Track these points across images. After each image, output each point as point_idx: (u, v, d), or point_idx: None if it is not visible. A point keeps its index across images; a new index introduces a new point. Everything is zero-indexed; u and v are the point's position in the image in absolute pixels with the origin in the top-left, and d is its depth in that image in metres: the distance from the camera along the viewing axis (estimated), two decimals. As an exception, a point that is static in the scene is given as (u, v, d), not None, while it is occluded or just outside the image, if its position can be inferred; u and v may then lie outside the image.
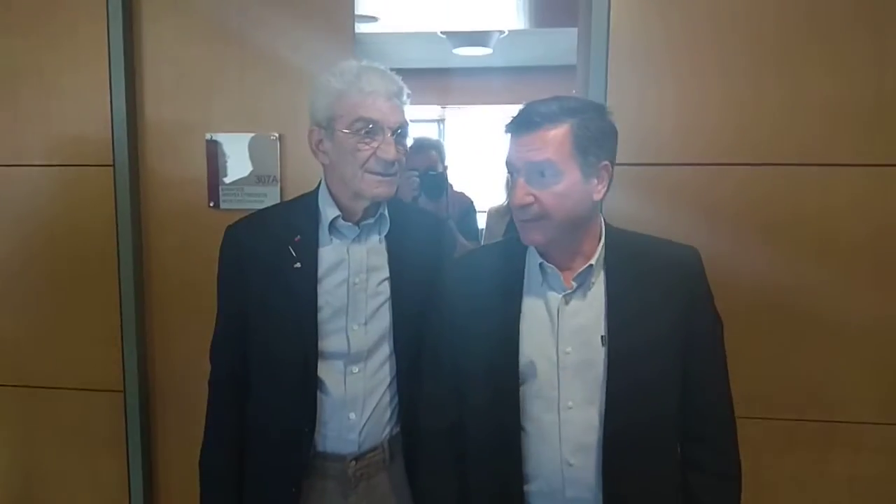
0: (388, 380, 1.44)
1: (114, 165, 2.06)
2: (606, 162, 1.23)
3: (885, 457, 1.87)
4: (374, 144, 1.35)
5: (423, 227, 1.53)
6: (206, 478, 1.51)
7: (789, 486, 1.91)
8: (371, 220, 1.44)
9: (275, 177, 2.05)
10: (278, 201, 2.00)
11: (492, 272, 1.33)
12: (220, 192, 2.08)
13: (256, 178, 2.07)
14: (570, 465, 1.23)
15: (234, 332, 1.46)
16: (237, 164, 2.07)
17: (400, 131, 1.38)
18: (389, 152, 1.35)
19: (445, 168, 2.36)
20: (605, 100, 1.84)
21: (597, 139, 1.20)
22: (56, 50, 2.06)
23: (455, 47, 4.75)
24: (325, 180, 1.46)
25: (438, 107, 6.56)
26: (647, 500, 1.26)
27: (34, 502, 2.26)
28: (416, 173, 2.21)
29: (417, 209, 1.60)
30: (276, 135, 2.04)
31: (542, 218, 1.20)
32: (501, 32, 4.46)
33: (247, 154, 2.06)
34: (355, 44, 2.06)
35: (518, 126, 1.21)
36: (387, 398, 1.45)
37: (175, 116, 2.08)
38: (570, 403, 1.23)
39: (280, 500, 1.43)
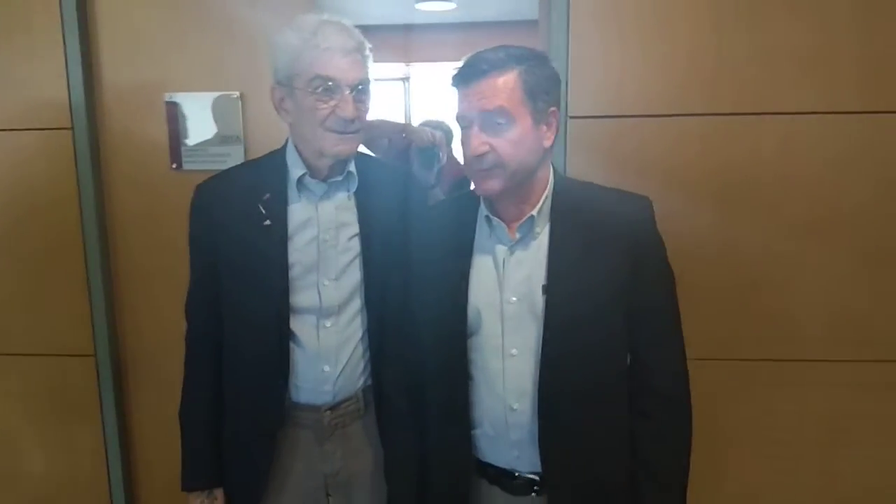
0: (360, 332, 1.48)
1: (73, 128, 2.03)
2: (554, 108, 1.25)
3: (833, 391, 1.96)
4: (333, 102, 1.35)
5: (392, 181, 1.54)
6: (185, 429, 1.54)
7: (744, 424, 2.00)
8: (339, 178, 1.45)
9: (238, 136, 2.04)
10: (242, 161, 1.99)
11: (446, 226, 1.36)
12: (182, 153, 2.07)
13: (220, 138, 2.06)
14: (514, 409, 1.27)
15: (206, 288, 1.48)
16: (199, 125, 2.05)
17: (361, 87, 1.38)
18: (348, 110, 1.35)
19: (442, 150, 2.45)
20: (568, 54, 1.86)
21: (544, 85, 1.21)
22: (9, 14, 2.00)
23: (418, 2, 4.69)
24: (291, 138, 1.46)
25: (403, 64, 6.48)
26: (584, 446, 1.29)
27: (11, 469, 2.28)
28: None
29: (385, 164, 1.61)
30: (238, 93, 2.02)
31: (497, 166, 1.22)
32: (465, -14, 4.41)
33: (209, 114, 2.05)
34: (316, 0, 2.04)
35: (467, 76, 1.21)
36: (360, 350, 1.48)
37: (133, 77, 2.04)
38: (513, 351, 1.27)
39: (257, 450, 1.47)
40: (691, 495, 2.00)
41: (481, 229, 1.32)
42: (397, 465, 1.43)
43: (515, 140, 1.20)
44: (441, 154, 2.41)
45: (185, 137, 2.06)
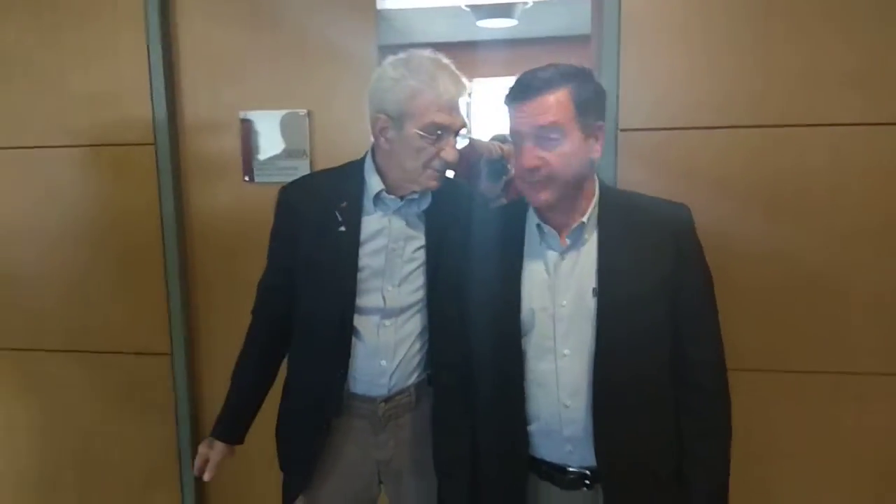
0: (416, 332, 1.57)
1: (155, 144, 2.21)
2: (601, 122, 1.31)
3: (891, 404, 1.93)
4: (440, 145, 1.45)
5: (460, 199, 1.63)
6: (230, 387, 1.68)
7: (798, 437, 1.99)
8: (415, 196, 1.55)
9: (304, 151, 2.17)
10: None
11: (497, 234, 1.43)
12: (254, 167, 2.21)
13: (287, 152, 2.19)
14: (567, 406, 1.33)
15: (278, 276, 1.62)
16: (269, 141, 2.19)
17: (462, 133, 1.50)
18: (452, 154, 1.47)
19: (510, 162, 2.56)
20: (619, 68, 1.91)
21: (593, 101, 1.28)
22: (97, 36, 2.20)
23: (479, 20, 4.78)
24: (375, 156, 1.56)
25: (466, 80, 6.59)
26: (635, 439, 1.34)
27: (89, 462, 2.45)
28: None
29: (454, 182, 1.71)
30: (305, 111, 2.15)
31: (549, 179, 1.28)
32: (525, 3, 4.49)
33: (279, 130, 2.18)
34: (380, 20, 2.15)
35: (519, 94, 1.28)
36: (415, 348, 1.58)
37: (211, 96, 2.21)
38: (565, 352, 1.33)
39: (313, 435, 1.59)
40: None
41: (531, 236, 1.38)
42: (450, 458, 1.50)
43: (567, 154, 1.27)
44: (509, 166, 2.50)
45: (257, 152, 2.21)
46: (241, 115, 2.19)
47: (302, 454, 1.62)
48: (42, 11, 2.20)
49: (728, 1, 1.86)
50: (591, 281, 1.31)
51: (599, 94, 1.31)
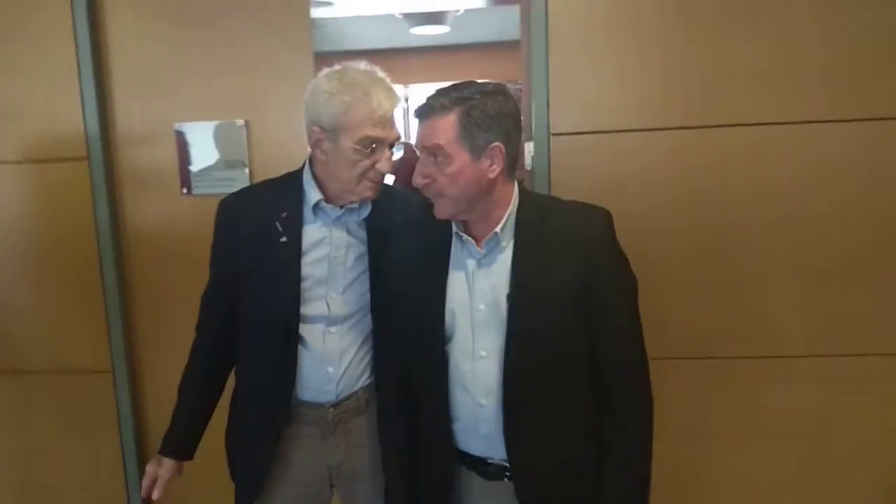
0: (362, 338, 1.60)
1: (89, 158, 2.18)
2: (497, 143, 1.32)
3: (814, 385, 2.06)
4: (375, 158, 1.48)
5: (398, 204, 1.66)
6: (179, 399, 1.68)
7: (727, 419, 2.11)
8: (354, 205, 1.57)
9: (243, 161, 2.17)
10: (247, 184, 2.12)
11: (428, 242, 1.48)
12: (192, 179, 2.20)
13: (225, 163, 2.19)
14: (482, 405, 1.39)
15: (221, 292, 1.62)
16: (206, 152, 2.19)
17: (396, 145, 1.53)
18: (386, 166, 1.50)
19: None
20: (548, 74, 1.99)
21: (483, 124, 1.30)
22: (25, 50, 2.15)
23: (412, 27, 4.84)
24: (313, 167, 1.58)
25: (401, 86, 6.65)
26: (546, 437, 1.39)
27: (33, 483, 2.39)
28: None
29: (393, 190, 1.74)
30: (243, 121, 2.15)
31: (439, 196, 1.35)
32: (457, 10, 4.57)
33: (215, 141, 2.18)
34: (313, 28, 2.17)
35: (417, 115, 1.36)
36: (361, 353, 1.61)
37: (145, 108, 2.19)
38: (482, 353, 1.38)
39: (263, 444, 1.60)
40: (680, 490, 2.12)
41: (455, 245, 1.44)
42: (391, 457, 1.56)
43: (453, 174, 1.32)
44: None
45: (193, 164, 2.20)
46: (177, 126, 2.18)
47: (253, 464, 1.62)
48: (-33, 24, 2.15)
49: (649, 7, 1.95)
50: (505, 287, 1.36)
51: (498, 117, 1.32)
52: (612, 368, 1.40)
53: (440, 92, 1.34)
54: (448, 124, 1.30)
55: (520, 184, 1.43)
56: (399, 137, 1.53)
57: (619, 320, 1.40)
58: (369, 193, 1.52)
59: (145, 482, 1.64)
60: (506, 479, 1.43)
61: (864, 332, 2.03)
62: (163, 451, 1.65)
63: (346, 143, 1.46)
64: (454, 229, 1.42)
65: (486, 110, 1.31)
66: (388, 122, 1.48)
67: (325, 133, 1.48)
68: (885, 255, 1.99)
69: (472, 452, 1.45)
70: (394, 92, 1.51)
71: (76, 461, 2.37)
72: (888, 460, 2.08)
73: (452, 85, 1.34)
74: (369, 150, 1.47)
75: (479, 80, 1.35)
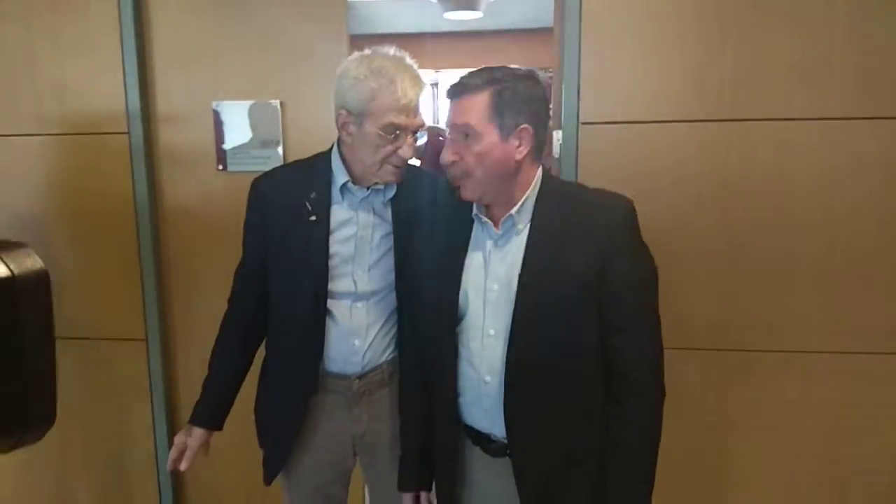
0: (387, 314, 1.66)
1: (129, 133, 2.25)
2: (526, 125, 1.34)
3: (834, 381, 2.07)
4: (398, 144, 1.53)
5: (424, 186, 1.71)
6: (210, 371, 1.74)
7: (747, 411, 2.12)
8: (380, 186, 1.62)
9: (277, 140, 2.23)
10: (281, 163, 2.18)
11: (451, 222, 1.52)
12: (227, 156, 2.26)
13: (260, 142, 2.24)
14: (486, 382, 1.42)
15: (253, 267, 1.69)
16: (242, 130, 2.24)
17: (420, 132, 1.57)
18: (409, 152, 1.54)
19: None
20: (580, 62, 2.00)
21: (515, 105, 1.33)
22: (69, 25, 2.22)
23: (446, 11, 4.85)
24: (340, 149, 1.63)
25: (432, 70, 6.66)
26: (544, 420, 1.41)
27: (67, 446, 2.49)
28: None
29: (419, 171, 1.79)
30: (278, 101, 2.20)
31: (466, 175, 1.37)
32: (491, -4, 4.57)
33: (251, 120, 2.23)
34: (348, 10, 2.20)
35: (450, 95, 1.39)
36: (386, 328, 1.67)
37: (184, 86, 2.25)
38: (491, 332, 1.41)
39: (291, 413, 1.67)
40: (696, 480, 2.15)
41: (476, 227, 1.48)
42: (407, 426, 1.63)
43: (481, 153, 1.34)
44: None
45: (229, 142, 2.26)
46: (215, 105, 2.23)
47: (281, 432, 1.69)
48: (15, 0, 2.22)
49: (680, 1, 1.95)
50: (518, 269, 1.39)
51: (528, 100, 1.35)
52: (621, 360, 1.39)
53: (473, 73, 1.37)
54: (479, 103, 1.33)
55: (545, 169, 1.45)
56: (423, 125, 1.56)
57: (632, 311, 1.38)
58: (391, 178, 1.57)
59: (173, 453, 1.68)
60: (508, 457, 1.46)
61: (886, 330, 2.03)
62: (193, 420, 1.71)
63: (371, 128, 1.50)
64: (474, 211, 1.46)
65: (517, 92, 1.33)
66: (413, 109, 1.52)
67: (351, 117, 1.53)
68: (909, 254, 1.98)
69: (476, 427, 1.48)
70: (420, 79, 1.54)
71: (107, 426, 2.47)
72: (905, 458, 2.09)
73: (485, 67, 1.36)
74: (392, 136, 1.51)
75: (511, 66, 1.38)
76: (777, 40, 1.94)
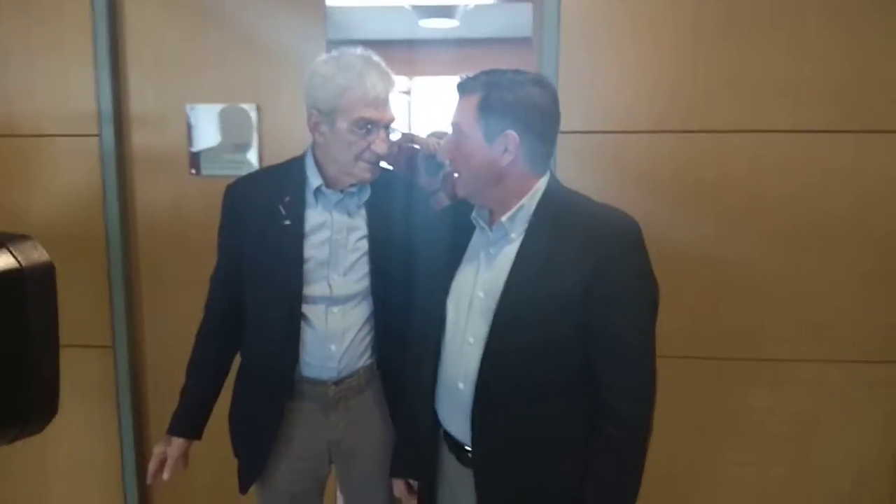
0: (363, 318, 1.65)
1: (100, 135, 2.20)
2: (510, 131, 1.31)
3: (801, 389, 2.12)
4: (370, 139, 1.53)
5: (399, 190, 1.71)
6: (188, 379, 1.71)
7: (718, 417, 2.16)
8: (353, 189, 1.62)
9: (252, 145, 2.20)
10: (256, 167, 2.16)
11: (449, 227, 1.52)
12: (201, 160, 2.23)
13: (234, 146, 2.22)
14: (460, 389, 1.41)
15: (228, 273, 1.67)
16: (217, 134, 2.22)
17: (392, 127, 1.57)
18: (382, 147, 1.54)
19: None
20: (558, 72, 2.02)
21: (500, 109, 1.31)
22: (44, 30, 2.18)
23: (421, 19, 4.85)
24: (314, 151, 1.62)
25: (406, 78, 6.66)
26: (515, 435, 1.36)
27: (31, 454, 2.42)
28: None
29: (393, 174, 1.79)
30: (254, 105, 2.19)
31: (456, 173, 1.39)
32: (467, 4, 4.58)
33: (226, 124, 2.21)
34: (325, 17, 2.20)
35: (455, 93, 1.40)
36: (363, 333, 1.65)
37: (157, 90, 2.22)
38: (470, 339, 1.38)
39: (267, 420, 1.65)
40: (667, 487, 2.17)
41: (476, 232, 1.47)
42: (403, 429, 1.62)
43: (467, 154, 1.35)
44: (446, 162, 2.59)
45: (203, 146, 2.23)
46: (188, 108, 2.21)
47: (257, 439, 1.67)
48: (-16, -1, 2.17)
49: (661, 10, 1.99)
50: (505, 278, 1.35)
51: (516, 106, 1.31)
52: (606, 388, 1.31)
53: (477, 74, 1.36)
54: (469, 105, 1.34)
55: (552, 179, 1.41)
56: (394, 119, 1.56)
57: (620, 336, 1.31)
58: (366, 175, 1.56)
59: (152, 465, 1.65)
60: None
61: (851, 339, 2.08)
62: (172, 430, 1.68)
63: (342, 124, 1.51)
64: (473, 214, 1.45)
65: (506, 97, 1.31)
66: (382, 103, 1.52)
67: (321, 116, 1.53)
68: (874, 266, 2.04)
69: (453, 435, 1.47)
70: (388, 75, 1.55)
71: (72, 436, 2.40)
72: (870, 463, 2.14)
73: (492, 69, 1.35)
74: (364, 131, 1.51)
75: (520, 69, 1.35)
76: (750, 54, 1.98)
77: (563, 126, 2.01)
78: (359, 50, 1.55)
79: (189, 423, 1.69)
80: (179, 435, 1.67)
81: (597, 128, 2.04)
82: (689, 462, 2.18)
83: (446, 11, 4.69)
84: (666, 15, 1.99)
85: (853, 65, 1.96)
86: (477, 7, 4.59)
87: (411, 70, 6.29)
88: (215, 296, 1.71)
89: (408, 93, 6.99)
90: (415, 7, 4.58)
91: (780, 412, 2.13)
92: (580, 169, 2.04)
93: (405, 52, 5.86)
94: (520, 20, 4.97)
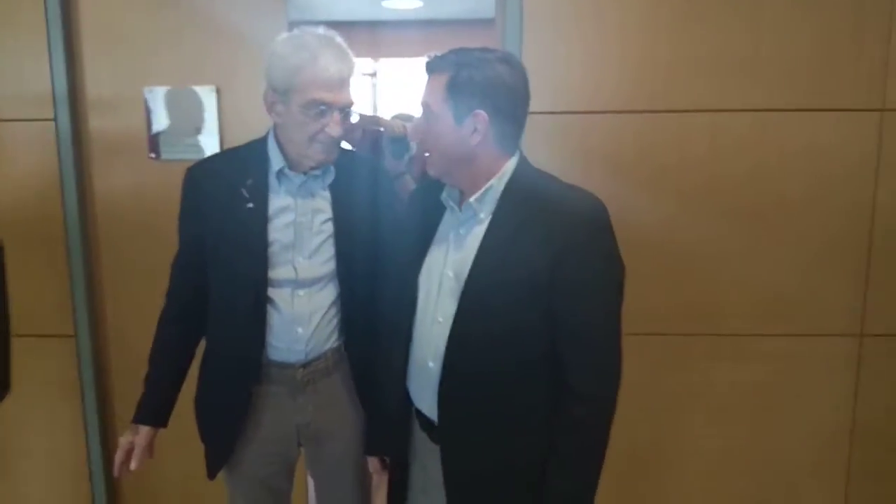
0: (330, 301, 1.64)
1: (56, 119, 2.15)
2: (480, 111, 1.31)
3: (761, 362, 2.18)
4: (324, 121, 1.50)
5: (364, 172, 1.69)
6: (151, 367, 1.69)
7: (684, 391, 2.21)
8: (317, 172, 1.61)
9: (213, 127, 2.17)
10: (216, 150, 2.13)
11: (420, 208, 1.52)
12: (160, 143, 2.19)
13: (194, 129, 2.18)
14: (429, 367, 1.42)
15: (190, 258, 1.64)
16: (175, 117, 2.18)
17: (347, 110, 1.54)
18: (336, 130, 1.52)
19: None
20: (521, 53, 2.03)
21: (468, 88, 1.30)
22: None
23: (385, 0, 4.80)
24: (275, 132, 1.61)
25: (370, 59, 6.59)
26: (479, 414, 1.37)
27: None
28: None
29: (358, 156, 1.77)
30: (214, 87, 2.15)
31: (427, 152, 1.39)
32: (430, -15, 4.54)
33: (185, 106, 2.17)
34: (287, -2, 2.16)
35: (424, 73, 1.39)
36: (329, 316, 1.65)
37: (114, 72, 2.16)
38: (440, 318, 1.39)
39: (234, 404, 1.64)
40: (637, 456, 2.21)
41: (446, 213, 1.47)
42: (377, 408, 1.63)
43: (436, 133, 1.35)
44: (411, 144, 2.58)
45: (161, 129, 2.18)
46: (146, 90, 2.16)
47: (223, 424, 1.66)
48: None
49: (619, -7, 2.00)
50: (473, 258, 1.36)
51: (486, 86, 1.30)
52: (571, 368, 1.32)
53: (445, 53, 1.35)
54: (438, 84, 1.33)
55: (522, 159, 1.40)
56: (350, 102, 1.54)
57: (584, 317, 1.31)
58: (321, 156, 1.55)
59: (119, 456, 1.62)
60: None
61: (808, 313, 2.14)
62: (137, 419, 1.66)
63: (295, 105, 1.49)
64: (443, 195, 1.45)
65: (475, 76, 1.30)
66: (337, 85, 1.49)
67: (276, 95, 1.52)
68: (831, 243, 2.10)
69: (423, 412, 1.48)
70: (346, 56, 1.52)
71: (35, 427, 2.37)
72: (828, 434, 2.21)
73: (460, 48, 1.34)
74: (317, 111, 1.49)
75: (489, 48, 1.34)
76: (710, 33, 2.01)
77: (530, 107, 2.04)
78: (320, 30, 1.52)
79: (154, 411, 1.67)
80: (145, 423, 1.65)
81: (560, 108, 2.06)
82: (654, 435, 2.23)
83: (410, -8, 4.65)
84: (626, -3, 2.00)
85: (808, 43, 2.00)
86: (441, -13, 4.56)
87: (376, 52, 6.21)
88: (177, 282, 1.68)
89: (373, 75, 6.93)
90: (378, -13, 4.53)
91: (740, 386, 2.19)
92: (542, 150, 2.05)
93: (369, 34, 5.79)
94: (483, 2, 4.94)
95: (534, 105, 2.02)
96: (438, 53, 1.36)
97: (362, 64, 6.61)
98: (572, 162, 2.06)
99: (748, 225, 2.09)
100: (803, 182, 2.06)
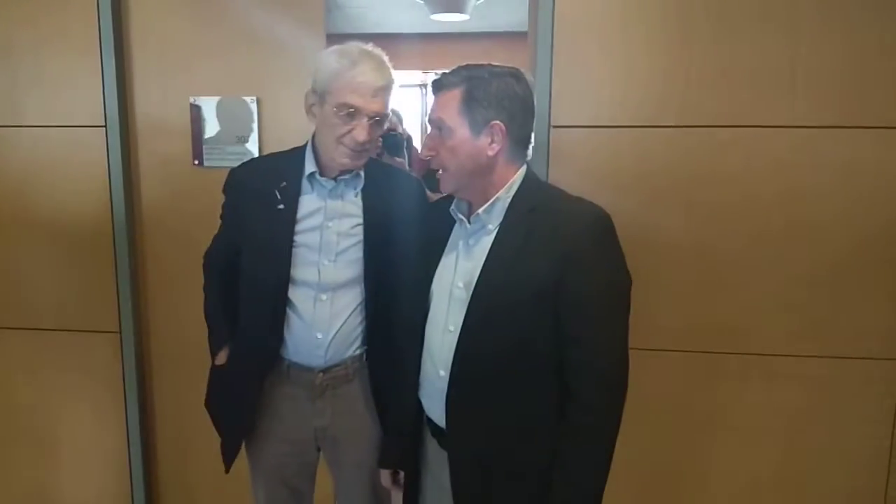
0: (352, 308, 1.68)
1: (106, 126, 2.26)
2: (497, 122, 1.35)
3: (795, 383, 2.12)
4: (352, 124, 1.57)
5: (398, 183, 1.76)
6: (209, 322, 1.82)
7: (713, 411, 2.16)
8: (347, 177, 1.67)
9: (253, 136, 2.25)
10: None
11: (434, 221, 1.56)
12: (204, 151, 2.28)
13: (236, 137, 2.27)
14: (440, 376, 1.44)
15: (227, 243, 1.77)
16: (218, 126, 2.27)
17: (377, 119, 1.60)
18: (362, 135, 1.58)
19: (404, 132, 2.68)
20: (551, 65, 2.04)
21: (485, 101, 1.34)
22: (49, 22, 2.23)
23: (433, 13, 4.88)
24: (313, 140, 1.69)
25: (420, 71, 6.68)
26: (488, 421, 1.39)
27: (38, 436, 2.50)
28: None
29: (394, 169, 1.84)
30: (255, 97, 2.23)
31: (441, 168, 1.41)
32: (477, -1, 4.60)
33: (228, 116, 2.26)
34: (334, 9, 2.23)
35: (432, 90, 1.43)
36: (352, 323, 1.69)
37: (162, 82, 2.27)
38: (451, 328, 1.42)
39: (248, 389, 1.71)
40: (661, 478, 2.18)
41: (456, 224, 1.50)
42: (392, 419, 1.66)
43: (453, 147, 1.38)
44: (402, 138, 2.66)
45: (205, 137, 2.28)
46: (192, 100, 2.25)
47: (237, 411, 1.73)
48: (-8, -8, 2.23)
49: (655, 4, 1.99)
50: (480, 268, 1.39)
51: (502, 97, 1.35)
52: (576, 376, 1.34)
53: (453, 70, 1.39)
54: (452, 99, 1.36)
55: (529, 171, 1.44)
56: (381, 112, 1.60)
57: (589, 323, 1.33)
58: (346, 160, 1.61)
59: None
60: None
61: (844, 335, 2.07)
62: (217, 346, 1.81)
63: (329, 107, 1.57)
64: (451, 207, 1.48)
65: (489, 89, 1.35)
66: (369, 92, 1.56)
67: (315, 96, 1.61)
68: (868, 263, 2.03)
69: (434, 420, 1.50)
70: (384, 69, 1.59)
71: (79, 420, 2.48)
72: (864, 459, 2.13)
73: (467, 64, 1.39)
74: (346, 114, 1.56)
75: (494, 63, 1.39)
76: (741, 48, 1.98)
77: (556, 120, 2.06)
78: (369, 45, 1.61)
79: (225, 339, 1.79)
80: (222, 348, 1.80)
81: (589, 122, 2.05)
82: (681, 455, 2.19)
83: (457, 5, 4.71)
84: (658, 7, 1.98)
85: (847, 59, 1.95)
86: (487, 1, 4.61)
87: (425, 64, 6.31)
88: (211, 259, 1.82)
89: (423, 86, 7.02)
90: (426, 1, 4.61)
91: (772, 406, 2.14)
92: (572, 163, 2.06)
93: (418, 46, 5.88)
94: (527, 15, 4.96)
95: (562, 118, 2.06)
96: (447, 72, 1.40)
97: (411, 75, 6.72)
98: (601, 176, 2.05)
99: (785, 241, 2.04)
100: (839, 200, 2.01)
